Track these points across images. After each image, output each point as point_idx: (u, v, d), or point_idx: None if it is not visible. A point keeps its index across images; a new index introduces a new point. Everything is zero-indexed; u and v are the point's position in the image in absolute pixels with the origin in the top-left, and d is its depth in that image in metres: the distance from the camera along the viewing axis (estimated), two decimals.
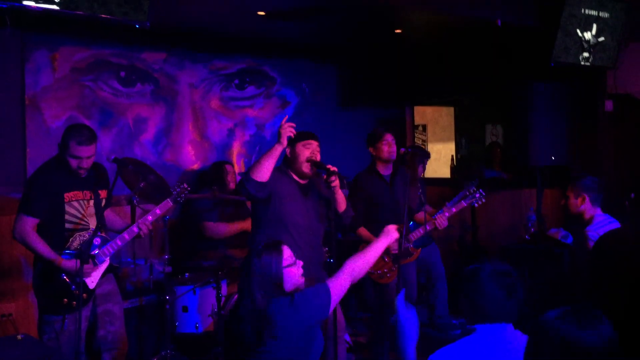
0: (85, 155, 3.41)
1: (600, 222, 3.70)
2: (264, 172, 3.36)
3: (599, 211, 3.76)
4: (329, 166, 3.46)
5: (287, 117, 3.51)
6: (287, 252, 2.60)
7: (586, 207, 3.75)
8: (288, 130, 3.36)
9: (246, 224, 4.82)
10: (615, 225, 3.71)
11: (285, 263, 2.56)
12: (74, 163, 3.41)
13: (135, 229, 3.52)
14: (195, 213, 4.94)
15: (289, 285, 2.56)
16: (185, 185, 3.74)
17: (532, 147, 5.06)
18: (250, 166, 3.43)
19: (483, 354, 1.95)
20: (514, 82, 5.70)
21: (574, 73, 5.10)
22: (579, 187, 3.77)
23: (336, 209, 3.62)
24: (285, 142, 3.38)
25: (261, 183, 3.36)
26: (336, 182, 3.48)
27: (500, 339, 2.08)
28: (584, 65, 4.81)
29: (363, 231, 4.24)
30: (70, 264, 3.32)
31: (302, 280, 2.61)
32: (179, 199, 3.72)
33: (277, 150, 3.37)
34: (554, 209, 5.72)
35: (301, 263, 2.65)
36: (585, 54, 4.76)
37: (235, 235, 5.01)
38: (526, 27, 4.89)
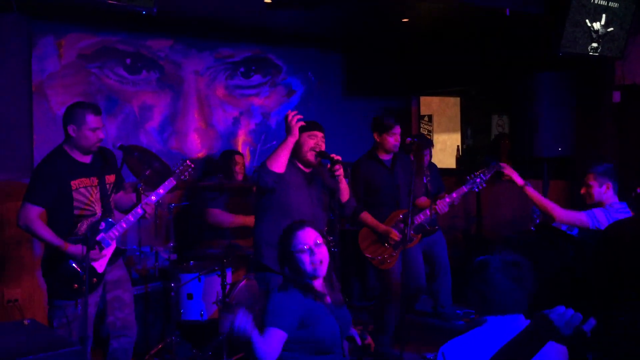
0: (101, 126, 3.46)
1: (619, 209, 3.72)
2: (281, 163, 3.44)
3: (617, 199, 3.77)
4: (332, 155, 3.47)
5: (293, 111, 3.50)
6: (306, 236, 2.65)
7: (608, 194, 3.78)
8: (297, 120, 3.41)
9: (249, 220, 4.82)
10: (628, 214, 3.73)
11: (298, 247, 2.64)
12: (92, 137, 3.42)
13: (139, 210, 3.53)
14: (201, 200, 4.95)
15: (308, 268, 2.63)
16: (189, 162, 3.72)
17: (538, 138, 5.04)
18: (267, 158, 3.46)
19: (495, 345, 1.94)
20: (521, 72, 5.66)
21: (581, 63, 5.06)
22: (604, 174, 3.79)
23: (339, 198, 3.64)
24: (297, 133, 3.44)
25: (279, 174, 3.44)
26: (340, 171, 3.50)
27: (511, 329, 2.07)
28: (592, 56, 4.77)
29: (366, 216, 4.26)
30: (77, 249, 3.33)
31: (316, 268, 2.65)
32: (182, 176, 3.70)
33: (291, 142, 3.45)
34: (559, 201, 5.69)
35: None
36: (594, 44, 4.72)
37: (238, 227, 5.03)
38: (534, 16, 4.85)
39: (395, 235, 4.23)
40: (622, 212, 3.72)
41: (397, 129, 4.39)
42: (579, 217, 3.78)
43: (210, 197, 4.91)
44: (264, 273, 3.57)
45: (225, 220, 4.96)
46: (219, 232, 4.97)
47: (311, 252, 2.63)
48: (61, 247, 3.32)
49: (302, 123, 3.45)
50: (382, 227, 4.29)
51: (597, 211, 3.74)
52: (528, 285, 2.15)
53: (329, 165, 3.50)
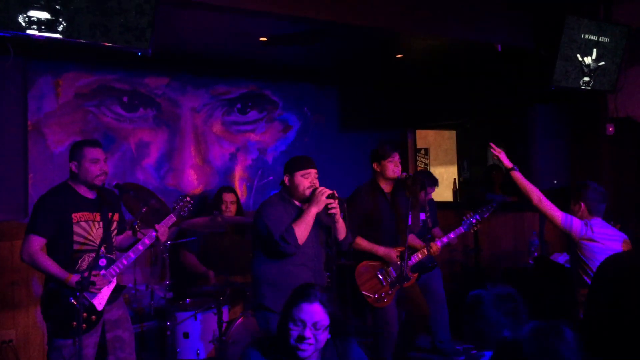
0: (102, 157, 3.50)
1: (599, 226, 3.74)
2: (304, 237, 3.44)
3: (596, 219, 3.77)
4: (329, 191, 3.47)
5: (320, 187, 3.52)
6: None
7: (583, 214, 3.81)
8: (325, 194, 3.44)
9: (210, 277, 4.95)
10: (612, 233, 3.73)
11: None
12: (95, 169, 3.45)
13: (140, 247, 3.53)
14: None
15: None
16: (188, 199, 3.73)
17: (534, 169, 5.06)
18: (289, 230, 3.41)
19: None
20: (515, 105, 5.72)
21: (574, 96, 5.12)
22: (578, 195, 3.86)
23: (336, 236, 3.60)
24: (322, 206, 3.46)
25: (299, 245, 3.44)
26: (335, 208, 3.49)
27: None
28: (584, 90, 4.82)
29: (360, 240, 4.23)
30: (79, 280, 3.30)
31: None
32: (182, 212, 3.71)
33: (313, 213, 3.46)
34: (557, 233, 5.68)
35: None
36: (586, 78, 4.78)
37: (235, 262, 5.01)
38: (526, 51, 4.92)
39: (395, 256, 4.21)
40: (602, 230, 3.73)
41: (396, 156, 4.37)
42: (554, 211, 3.79)
43: (189, 239, 4.90)
44: (263, 312, 3.54)
45: (192, 262, 5.03)
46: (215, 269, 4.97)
47: (302, 329, 2.37)
48: (64, 279, 3.31)
49: (330, 201, 3.45)
50: (381, 249, 4.25)
51: (575, 218, 3.77)
52: (523, 318, 2.14)
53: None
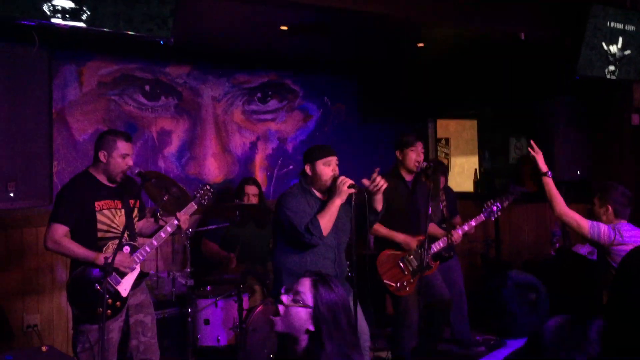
0: (131, 153, 3.56)
1: (628, 230, 3.66)
2: (329, 228, 3.45)
3: (622, 222, 3.71)
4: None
5: (341, 177, 3.50)
6: None
7: (608, 218, 3.74)
8: (346, 184, 3.42)
9: (231, 262, 4.97)
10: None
11: None
12: (122, 164, 3.51)
13: (163, 234, 3.58)
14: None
15: None
16: (208, 187, 3.78)
17: (557, 161, 5.00)
18: (314, 222, 3.42)
19: None
20: (538, 95, 5.65)
21: (598, 86, 5.04)
22: (605, 197, 3.77)
23: (375, 207, 3.65)
24: (344, 197, 3.45)
25: (324, 237, 3.44)
26: (377, 183, 3.56)
27: None
28: (609, 79, 4.75)
29: (379, 227, 4.23)
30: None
31: None
32: (202, 201, 3.75)
33: (337, 204, 3.45)
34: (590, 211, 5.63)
35: None
36: (611, 67, 4.70)
37: (256, 252, 5.05)
38: (550, 40, 4.85)
39: (415, 243, 4.20)
40: (631, 233, 3.66)
41: (420, 145, 4.36)
42: (580, 221, 3.69)
43: (210, 227, 4.93)
44: None
45: (212, 249, 5.06)
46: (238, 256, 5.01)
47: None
48: (93, 259, 3.37)
49: (352, 191, 3.44)
50: (400, 236, 4.26)
51: (602, 224, 3.68)
52: (545, 307, 2.13)
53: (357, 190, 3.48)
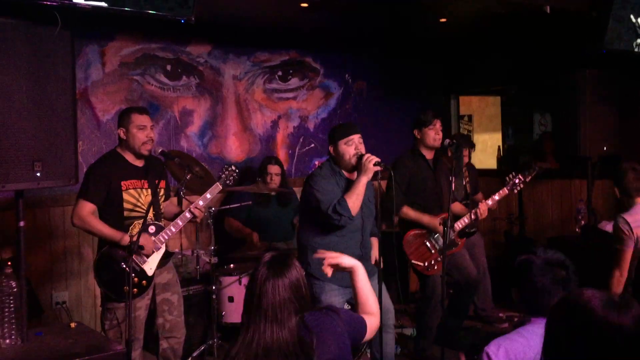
0: (149, 124, 3.58)
1: (635, 209, 3.63)
2: (357, 207, 3.41)
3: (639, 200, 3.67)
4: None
5: (367, 154, 3.45)
6: None
7: (622, 198, 3.76)
8: (372, 161, 3.38)
9: (254, 237, 4.98)
10: None
11: None
12: (142, 136, 3.53)
13: (188, 214, 3.62)
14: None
15: None
16: (233, 168, 3.81)
17: (583, 136, 4.91)
18: (342, 203, 3.38)
19: (539, 346, 1.90)
20: (563, 69, 5.54)
21: (625, 59, 4.92)
22: (614, 178, 3.80)
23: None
24: (370, 174, 3.40)
25: (352, 217, 3.41)
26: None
27: None
28: (637, 52, 4.63)
29: (407, 210, 4.23)
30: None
31: None
32: (227, 181, 3.78)
33: (364, 182, 3.41)
34: (605, 201, 5.55)
35: None
36: (639, 40, 4.58)
37: (278, 230, 5.07)
38: (576, 12, 4.73)
39: (439, 224, 4.20)
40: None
41: (438, 123, 4.35)
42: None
43: (233, 206, 4.95)
44: (308, 279, 3.57)
45: (234, 226, 5.08)
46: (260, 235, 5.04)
47: None
48: (118, 239, 3.42)
49: (378, 168, 3.39)
50: (426, 217, 4.26)
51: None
52: (573, 286, 2.11)
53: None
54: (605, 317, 1.45)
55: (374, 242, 3.72)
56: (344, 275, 3.52)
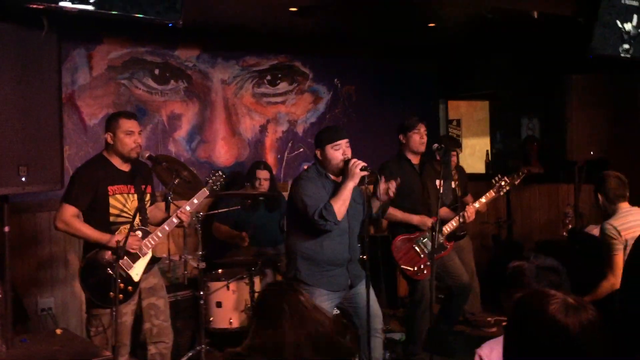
0: (137, 130, 3.55)
1: (619, 214, 3.66)
2: (343, 212, 3.39)
3: (622, 205, 3.69)
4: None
5: (353, 159, 3.45)
6: None
7: (604, 204, 3.78)
8: (358, 166, 3.37)
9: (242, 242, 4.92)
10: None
11: None
12: (129, 141, 3.50)
13: (175, 219, 3.60)
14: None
15: None
16: (220, 173, 3.80)
17: (570, 140, 4.94)
18: (328, 207, 3.36)
19: None
20: (551, 74, 5.57)
21: (612, 64, 4.96)
22: (596, 185, 3.82)
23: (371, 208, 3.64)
24: (357, 180, 3.39)
25: (339, 221, 3.39)
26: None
27: None
28: (624, 57, 4.67)
29: (394, 211, 4.24)
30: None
31: None
32: (214, 186, 3.76)
33: (350, 187, 3.39)
34: (592, 205, 5.58)
35: None
36: (626, 46, 4.61)
37: (266, 235, 5.04)
38: (563, 18, 4.77)
39: (430, 222, 4.20)
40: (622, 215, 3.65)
41: (422, 127, 4.37)
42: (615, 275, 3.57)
43: (221, 211, 4.92)
44: (299, 286, 3.55)
45: (221, 231, 5.05)
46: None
47: None
48: (105, 241, 3.38)
49: (365, 173, 3.38)
50: (415, 217, 4.27)
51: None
52: (566, 290, 2.10)
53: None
54: (553, 317, 1.47)
55: None
56: (334, 281, 3.53)
